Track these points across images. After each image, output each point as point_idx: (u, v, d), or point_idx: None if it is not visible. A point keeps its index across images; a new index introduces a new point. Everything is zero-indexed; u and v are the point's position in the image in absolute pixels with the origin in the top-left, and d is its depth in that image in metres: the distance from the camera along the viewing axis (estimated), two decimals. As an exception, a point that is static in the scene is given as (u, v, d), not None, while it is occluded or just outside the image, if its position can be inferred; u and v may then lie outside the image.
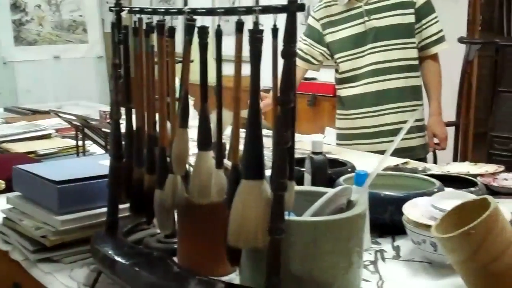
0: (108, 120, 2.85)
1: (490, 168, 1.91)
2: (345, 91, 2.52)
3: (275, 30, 0.99)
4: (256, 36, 1.00)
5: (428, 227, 1.24)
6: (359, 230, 1.12)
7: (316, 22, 2.53)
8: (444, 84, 3.59)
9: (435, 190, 1.49)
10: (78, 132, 2.20)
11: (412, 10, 2.42)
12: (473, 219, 1.06)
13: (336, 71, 2.56)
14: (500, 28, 5.96)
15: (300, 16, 4.11)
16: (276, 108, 1.00)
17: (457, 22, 3.98)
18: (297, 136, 3.15)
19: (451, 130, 3.36)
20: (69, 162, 1.78)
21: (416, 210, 1.36)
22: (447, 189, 1.55)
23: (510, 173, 1.87)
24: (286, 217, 1.03)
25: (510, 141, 2.98)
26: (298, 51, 2.58)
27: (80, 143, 2.21)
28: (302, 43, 2.56)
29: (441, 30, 2.49)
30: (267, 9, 0.99)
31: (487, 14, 5.92)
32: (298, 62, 2.56)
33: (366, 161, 2.04)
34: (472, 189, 1.62)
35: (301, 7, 0.98)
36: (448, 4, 3.85)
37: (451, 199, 1.29)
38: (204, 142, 1.16)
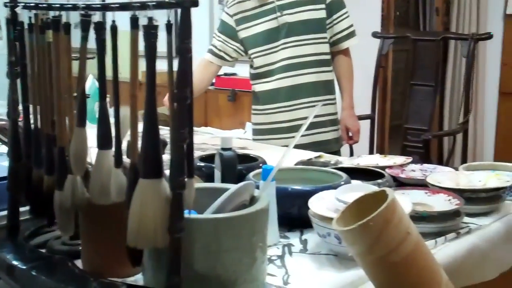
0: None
1: (399, 160, 1.95)
2: (259, 86, 2.53)
3: (169, 26, 0.97)
4: (150, 31, 0.98)
5: (332, 220, 1.25)
6: (262, 225, 1.12)
7: (229, 18, 2.52)
8: (360, 78, 3.66)
9: (342, 183, 1.51)
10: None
11: (323, 6, 2.45)
12: (373, 211, 1.07)
13: (251, 66, 2.57)
14: (416, 23, 6.14)
15: (218, 10, 4.09)
16: (173, 105, 0.98)
17: (372, 17, 4.06)
18: (214, 131, 3.14)
19: (367, 123, 3.43)
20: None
21: (321, 204, 1.38)
22: (354, 182, 1.57)
23: (418, 165, 1.92)
24: (186, 215, 1.02)
25: (422, 133, 3.06)
26: (211, 47, 2.57)
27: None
28: (216, 39, 2.55)
29: (351, 25, 2.54)
30: (161, 5, 0.98)
31: (403, 10, 6.09)
32: (212, 58, 2.55)
33: (278, 155, 2.05)
34: (380, 181, 1.65)
35: (195, 3, 0.97)
36: (363, -1, 3.93)
37: (355, 191, 1.31)
38: (103, 140, 1.13)
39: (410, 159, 1.95)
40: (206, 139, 2.66)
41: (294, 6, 2.42)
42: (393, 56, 4.61)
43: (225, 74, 4.25)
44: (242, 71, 3.99)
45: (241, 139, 2.85)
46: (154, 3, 0.98)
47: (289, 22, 2.42)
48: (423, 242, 1.13)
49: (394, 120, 4.55)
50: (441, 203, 1.51)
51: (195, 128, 3.05)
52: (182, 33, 0.96)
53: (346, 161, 2.03)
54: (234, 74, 4.23)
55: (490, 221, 1.55)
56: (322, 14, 2.45)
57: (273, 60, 2.46)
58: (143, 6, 1.00)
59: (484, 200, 1.58)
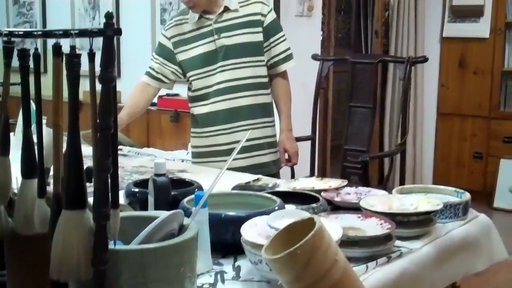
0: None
1: (334, 183, 1.97)
2: (197, 109, 2.52)
3: (91, 54, 0.96)
4: (73, 60, 0.96)
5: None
6: (191, 255, 1.11)
7: (167, 40, 2.51)
8: (301, 99, 3.70)
9: (276, 208, 1.51)
10: None
11: (260, 29, 2.46)
12: (302, 238, 1.08)
13: (189, 89, 2.56)
14: (358, 45, 6.24)
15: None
16: (96, 134, 0.97)
17: (313, 38, 4.12)
18: (156, 152, 3.11)
19: (307, 144, 3.46)
20: None
21: (254, 230, 1.37)
22: (287, 207, 1.58)
23: (353, 188, 1.94)
24: (111, 247, 1.00)
25: (361, 154, 3.10)
26: (149, 69, 2.54)
27: None
28: (154, 62, 2.53)
29: (288, 48, 2.56)
30: (84, 33, 0.97)
31: (345, 31, 6.19)
32: (150, 81, 2.53)
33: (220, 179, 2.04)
34: (314, 205, 1.66)
35: (118, 31, 0.96)
36: (303, 21, 3.98)
37: (288, 217, 1.31)
38: (28, 169, 1.11)
39: (345, 182, 1.97)
40: (145, 162, 2.63)
41: (232, 29, 2.43)
42: (335, 77, 4.68)
43: (168, 95, 4.23)
44: (185, 92, 3.99)
45: (182, 162, 2.83)
46: (76, 31, 0.97)
47: (226, 45, 2.42)
48: (351, 269, 1.13)
49: (337, 139, 4.60)
50: (373, 227, 1.53)
51: (137, 149, 3.00)
52: (105, 62, 0.95)
53: (283, 185, 2.04)
54: (176, 94, 4.21)
55: (421, 245, 1.58)
56: (259, 37, 2.46)
57: (211, 83, 2.46)
58: (66, 34, 0.98)
59: (415, 223, 1.61)
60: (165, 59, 2.50)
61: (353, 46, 6.32)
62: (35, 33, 1.03)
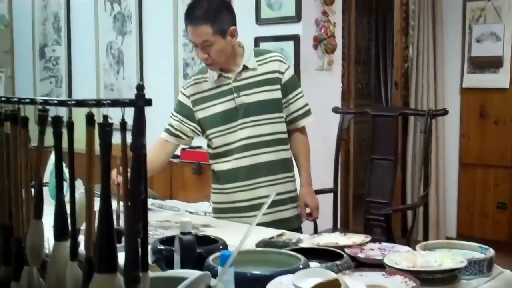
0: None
1: (358, 238, 1.98)
2: (219, 166, 2.55)
3: (123, 124, 1.00)
4: (105, 129, 1.01)
5: (288, 307, 1.26)
6: (217, 316, 1.13)
7: (186, 98, 2.56)
8: (322, 151, 3.73)
9: (301, 266, 1.53)
10: None
11: (278, 86, 2.50)
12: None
13: (209, 146, 2.59)
14: (377, 95, 6.31)
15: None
16: (127, 200, 1.00)
17: (333, 91, 4.17)
18: (179, 204, 3.14)
19: (329, 197, 3.47)
20: None
21: (279, 289, 1.39)
22: (312, 265, 1.59)
23: (376, 244, 1.95)
24: (141, 309, 1.03)
25: (383, 206, 3.10)
26: (168, 126, 2.59)
27: None
28: (173, 119, 2.57)
29: (306, 104, 2.60)
30: (116, 103, 1.01)
31: (364, 82, 6.26)
32: (168, 138, 2.58)
33: (241, 234, 2.06)
34: (338, 262, 1.67)
35: (149, 102, 1.00)
36: (324, 75, 4.04)
37: (312, 277, 1.33)
38: (60, 232, 1.14)
39: (368, 238, 1.97)
40: (170, 216, 2.66)
41: (251, 87, 2.47)
42: (355, 127, 4.72)
43: (190, 148, 4.28)
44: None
45: (205, 214, 2.85)
46: (109, 101, 1.01)
47: (246, 103, 2.46)
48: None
49: (359, 189, 4.61)
50: (398, 285, 1.53)
51: (160, 202, 3.03)
52: (136, 131, 0.99)
53: (307, 240, 2.05)
54: (199, 147, 4.27)
55: (446, 302, 1.57)
56: (278, 94, 2.51)
57: (232, 140, 2.49)
58: (99, 104, 1.03)
59: (440, 281, 1.61)
60: (184, 117, 2.55)
61: (373, 96, 6.38)
62: (69, 102, 1.08)
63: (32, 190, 1.19)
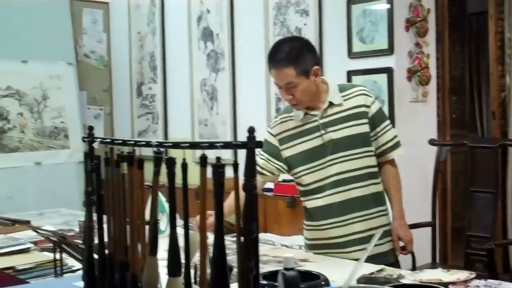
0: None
1: (462, 275, 1.94)
2: (310, 203, 2.56)
3: (235, 165, 1.05)
4: (218, 170, 1.05)
5: None
6: None
7: (272, 137, 2.59)
8: (417, 184, 3.67)
9: (405, 303, 1.52)
10: (56, 247, 2.21)
11: (365, 120, 2.50)
12: None
13: (298, 184, 2.60)
14: (473, 125, 6.14)
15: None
16: (239, 239, 1.04)
17: (428, 123, 4.11)
18: (274, 238, 3.16)
19: (427, 231, 3.41)
20: (45, 284, 1.79)
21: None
22: (417, 302, 1.57)
23: (482, 280, 1.90)
24: None
25: (485, 241, 3.01)
26: (256, 166, 2.62)
27: (57, 256, 2.22)
28: (259, 158, 2.61)
29: (395, 136, 2.57)
30: (228, 145, 1.06)
31: (459, 112, 6.12)
32: (258, 176, 2.61)
33: (341, 270, 2.06)
34: (443, 299, 1.64)
35: (259, 144, 1.04)
36: (418, 107, 4.00)
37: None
38: (174, 268, 1.19)
39: (473, 274, 1.93)
40: (267, 250, 2.69)
41: (338, 123, 2.47)
42: (451, 158, 4.61)
43: (284, 181, 4.31)
44: (301, 178, 4.06)
45: (299, 248, 2.87)
46: (221, 143, 1.06)
47: (334, 139, 2.46)
48: None
49: (456, 222, 4.48)
50: (507, 324, 1.49)
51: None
52: (248, 172, 1.03)
53: (409, 276, 2.02)
54: (292, 180, 4.30)
55: None
56: (366, 128, 2.49)
57: (322, 177, 2.49)
58: (211, 146, 1.08)
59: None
60: (271, 156, 2.58)
61: (467, 126, 6.22)
62: (183, 144, 1.14)
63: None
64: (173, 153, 1.18)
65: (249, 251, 1.03)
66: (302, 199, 2.63)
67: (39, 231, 2.30)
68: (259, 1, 4.58)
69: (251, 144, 1.03)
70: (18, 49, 5.44)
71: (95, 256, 1.35)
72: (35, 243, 2.69)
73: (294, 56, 2.39)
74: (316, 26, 4.19)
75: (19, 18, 5.47)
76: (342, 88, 2.54)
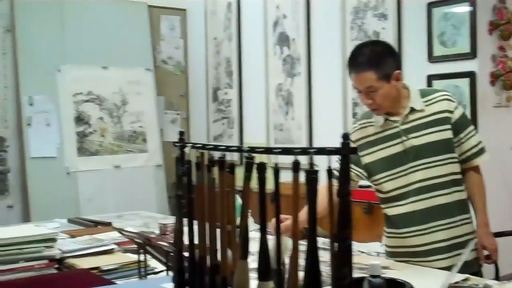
0: (168, 233, 2.93)
1: (553, 286, 1.87)
2: (392, 210, 2.52)
3: (329, 171, 1.05)
4: (311, 176, 1.06)
5: None
6: None
7: (352, 144, 2.55)
8: (501, 192, 3.56)
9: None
10: (140, 249, 2.26)
11: (448, 126, 2.43)
12: None
13: (378, 191, 2.56)
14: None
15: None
16: (333, 245, 1.04)
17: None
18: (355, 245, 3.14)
19: (511, 240, 3.30)
20: (133, 285, 1.83)
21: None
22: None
23: None
24: None
25: None
26: (334, 171, 2.60)
27: (141, 258, 2.27)
28: (339, 164, 2.58)
29: (480, 142, 2.49)
30: (322, 151, 1.06)
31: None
32: (334, 182, 2.59)
33: (424, 278, 2.03)
34: (535, 311, 1.59)
35: (354, 150, 1.04)
36: (502, 112, 3.89)
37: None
38: (263, 272, 1.20)
39: None
40: (346, 257, 2.67)
41: (420, 129, 2.42)
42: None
43: (360, 187, 4.26)
44: (378, 184, 4.02)
45: (377, 255, 2.83)
46: (315, 149, 1.06)
47: (415, 146, 2.41)
48: None
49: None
50: None
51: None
52: (342, 177, 1.03)
53: (495, 286, 1.97)
54: (369, 186, 4.25)
55: None
56: (449, 134, 2.43)
57: (404, 184, 2.44)
58: (304, 152, 1.08)
59: None
60: (351, 162, 2.55)
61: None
62: (275, 150, 1.14)
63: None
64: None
65: (343, 258, 1.03)
66: (382, 206, 2.59)
67: (124, 232, 2.36)
68: (336, 6, 4.56)
69: (345, 150, 1.03)
70: (99, 55, 5.62)
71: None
72: (118, 244, 2.77)
73: (375, 60, 2.36)
74: (395, 30, 4.14)
75: (100, 26, 5.65)
76: (423, 93, 2.49)
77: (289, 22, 5.03)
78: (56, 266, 2.39)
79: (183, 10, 6.30)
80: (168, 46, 6.26)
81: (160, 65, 6.15)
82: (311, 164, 1.05)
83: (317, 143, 4.75)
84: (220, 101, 5.93)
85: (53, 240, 2.44)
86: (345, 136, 1.04)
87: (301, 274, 1.09)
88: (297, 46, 4.96)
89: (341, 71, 4.53)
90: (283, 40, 5.11)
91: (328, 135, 4.62)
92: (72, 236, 2.93)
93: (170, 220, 3.42)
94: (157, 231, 2.97)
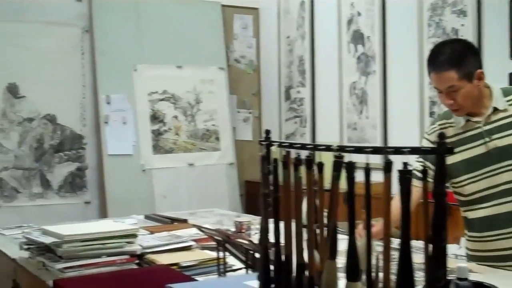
0: (244, 231, 2.95)
1: None
2: (473, 213, 2.44)
3: (424, 171, 1.03)
4: (405, 176, 1.04)
5: None
6: None
7: (431, 144, 2.47)
8: None
9: None
10: (219, 246, 2.28)
11: None
12: None
13: (457, 193, 2.49)
14: None
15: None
16: (427, 247, 1.02)
17: None
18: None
19: None
20: (216, 282, 1.85)
21: None
22: None
23: None
24: None
25: None
26: (415, 172, 2.53)
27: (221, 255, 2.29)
28: (419, 164, 2.51)
29: None
30: (416, 151, 1.04)
31: None
32: (415, 182, 2.52)
33: (510, 282, 1.96)
34: None
35: (450, 150, 1.01)
36: None
37: None
38: (352, 272, 1.19)
39: None
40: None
41: (504, 130, 2.33)
42: None
43: (437, 187, 4.20)
44: (455, 184, 3.92)
45: (455, 258, 2.77)
46: (409, 149, 1.04)
47: (500, 147, 2.32)
48: None
49: None
50: None
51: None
52: (438, 177, 1.00)
53: None
54: (447, 187, 4.17)
55: None
56: None
57: (487, 186, 2.36)
58: (397, 151, 1.06)
59: None
60: (431, 163, 2.48)
61: None
62: (366, 149, 1.13)
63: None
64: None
65: (438, 260, 1.00)
66: (462, 209, 2.52)
67: (203, 230, 2.39)
68: (413, 2, 4.48)
69: (442, 149, 1.00)
70: (174, 55, 5.72)
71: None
72: (195, 241, 2.80)
73: (456, 58, 2.29)
74: (474, 27, 4.03)
75: (175, 26, 5.74)
76: (506, 92, 2.40)
77: (364, 19, 4.98)
78: (137, 261, 2.44)
79: (255, 9, 6.33)
80: (240, 45, 6.31)
81: (232, 64, 6.20)
82: (405, 164, 1.04)
83: (392, 143, 4.68)
84: (293, 99, 5.92)
85: (134, 236, 2.50)
86: (441, 136, 1.01)
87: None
88: (372, 44, 4.90)
89: (417, 69, 4.45)
90: (358, 38, 5.06)
91: (404, 135, 4.54)
92: (151, 232, 2.99)
93: (245, 218, 3.45)
94: (232, 229, 2.99)
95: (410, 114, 4.52)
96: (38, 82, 5.24)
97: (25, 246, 2.53)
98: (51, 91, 5.29)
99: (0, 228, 3.42)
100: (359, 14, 5.03)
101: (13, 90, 5.17)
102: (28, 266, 2.47)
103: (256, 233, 2.90)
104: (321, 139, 5.53)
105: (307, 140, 5.67)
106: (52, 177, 5.29)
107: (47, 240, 2.38)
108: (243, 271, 2.19)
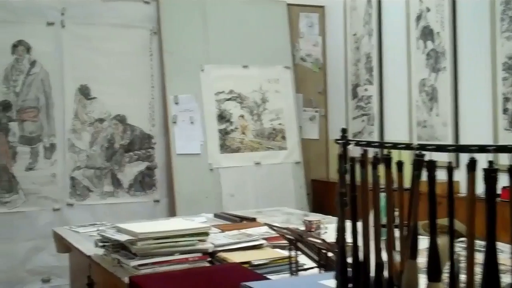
0: (313, 230, 2.94)
1: None
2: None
3: (511, 170, 1.00)
4: (491, 175, 1.01)
5: None
6: None
7: None
8: None
9: None
10: (291, 245, 2.28)
11: None
12: None
13: None
14: None
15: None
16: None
17: None
18: (504, 248, 2.98)
19: None
20: (291, 281, 1.85)
21: None
22: None
23: None
24: None
25: None
26: None
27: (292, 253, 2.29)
28: None
29: None
30: (503, 149, 1.01)
31: None
32: None
33: None
34: None
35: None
36: None
37: None
38: (433, 273, 1.17)
39: None
40: (505, 260, 2.55)
41: None
42: None
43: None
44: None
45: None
46: (494, 147, 1.02)
47: None
48: None
49: None
50: None
51: (479, 242, 2.96)
52: (526, 177, 0.97)
53: None
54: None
55: None
56: None
57: None
58: (482, 150, 1.04)
59: None
60: None
61: None
62: (449, 147, 1.11)
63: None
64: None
65: (527, 261, 0.97)
66: None
67: (275, 228, 2.40)
68: (484, -4, 4.36)
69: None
70: (240, 55, 5.75)
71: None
72: (266, 239, 2.81)
73: None
74: (550, 20, 3.90)
75: (241, 26, 5.77)
76: None
77: (433, 15, 4.87)
78: (209, 259, 2.47)
79: (321, 7, 6.29)
80: (306, 43, 6.28)
81: (298, 63, 6.18)
82: (491, 162, 1.01)
83: (463, 141, 4.57)
84: (360, 97, 5.86)
85: (206, 234, 2.53)
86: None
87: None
88: (442, 40, 4.80)
89: (490, 65, 4.32)
90: (427, 34, 4.96)
91: (477, 132, 4.43)
92: (222, 231, 3.01)
93: (314, 216, 3.44)
94: (301, 228, 2.98)
95: (482, 111, 4.40)
96: (109, 84, 5.36)
97: (100, 244, 2.59)
98: (121, 92, 5.40)
99: (74, 226, 3.52)
100: (428, 9, 4.92)
101: (84, 92, 5.31)
102: (103, 263, 2.53)
103: (325, 232, 2.89)
104: (389, 137, 5.45)
105: (375, 138, 5.60)
106: (123, 176, 5.40)
107: (122, 237, 2.43)
108: (315, 270, 2.18)
